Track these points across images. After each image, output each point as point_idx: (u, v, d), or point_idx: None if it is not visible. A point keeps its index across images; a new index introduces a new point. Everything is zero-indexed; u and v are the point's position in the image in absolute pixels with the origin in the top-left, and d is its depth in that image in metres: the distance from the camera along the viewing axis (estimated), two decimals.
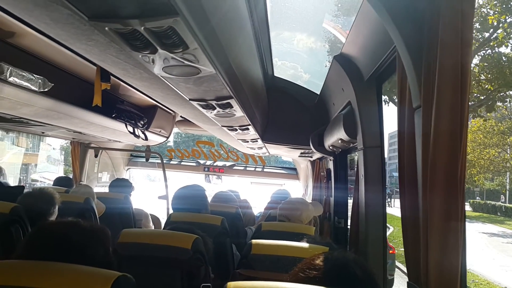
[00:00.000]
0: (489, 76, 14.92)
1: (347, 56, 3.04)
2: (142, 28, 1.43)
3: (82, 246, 1.49)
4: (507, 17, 13.48)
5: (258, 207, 6.09)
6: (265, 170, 8.34)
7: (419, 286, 1.66)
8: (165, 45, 1.62)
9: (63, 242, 1.46)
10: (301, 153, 6.05)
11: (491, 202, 37.29)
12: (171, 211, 3.34)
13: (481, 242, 20.09)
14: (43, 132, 5.62)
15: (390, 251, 9.95)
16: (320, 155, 5.33)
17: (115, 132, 5.18)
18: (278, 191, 5.93)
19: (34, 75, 2.99)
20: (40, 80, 3.05)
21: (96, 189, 5.84)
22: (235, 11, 1.98)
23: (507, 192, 39.34)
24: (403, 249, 1.91)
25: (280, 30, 4.16)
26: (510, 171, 33.33)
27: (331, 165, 4.84)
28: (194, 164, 8.33)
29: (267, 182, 8.44)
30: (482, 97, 15.34)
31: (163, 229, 3.12)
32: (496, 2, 13.56)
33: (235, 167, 8.32)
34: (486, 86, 14.90)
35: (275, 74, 4.96)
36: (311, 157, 6.26)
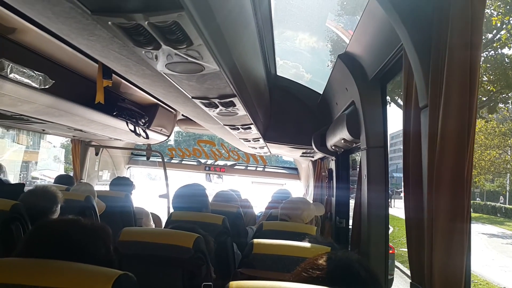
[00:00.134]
0: (491, 77, 14.91)
1: (351, 55, 3.02)
2: (146, 22, 1.41)
3: (82, 244, 1.48)
4: (510, 19, 13.45)
5: (259, 207, 6.09)
6: (266, 169, 8.33)
7: (423, 287, 1.64)
8: (169, 40, 1.60)
9: (63, 240, 1.45)
10: (303, 153, 6.04)
11: (491, 203, 37.35)
12: (172, 210, 3.34)
13: (481, 243, 20.13)
14: (43, 130, 5.61)
15: (390, 251, 9.95)
16: (322, 155, 5.32)
17: (116, 130, 5.17)
18: (279, 191, 5.92)
19: (35, 71, 2.98)
20: (41, 77, 3.04)
21: (96, 188, 5.83)
22: (240, 8, 1.96)
23: (507, 193, 39.37)
24: (402, 249, 1.89)
25: (283, 29, 4.14)
26: (511, 172, 33.33)
27: (333, 165, 4.83)
28: (195, 163, 8.33)
29: (268, 181, 8.44)
30: (484, 99, 15.33)
31: (164, 228, 3.12)
32: (500, 3, 13.53)
33: (236, 167, 8.31)
34: (488, 88, 14.89)
35: (278, 73, 4.95)
36: (313, 157, 6.25)
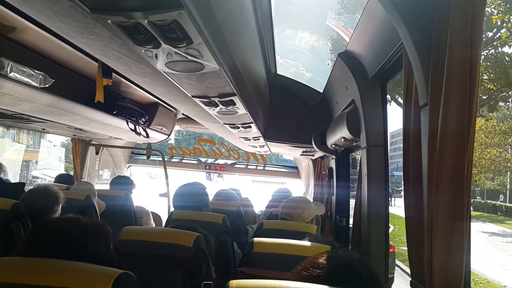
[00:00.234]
0: (491, 76, 14.90)
1: (351, 54, 3.02)
2: (146, 21, 1.41)
3: (82, 243, 1.48)
4: (511, 17, 13.43)
5: (259, 206, 6.09)
6: (266, 168, 8.34)
7: (423, 286, 1.64)
8: (168, 39, 1.60)
9: (63, 239, 1.45)
10: (303, 152, 6.04)
11: (491, 201, 37.35)
12: (172, 209, 3.34)
13: (481, 241, 20.13)
14: (43, 129, 5.61)
15: (391, 250, 9.96)
16: (322, 154, 5.31)
17: (116, 129, 5.17)
18: (280, 190, 5.93)
19: (35, 70, 2.98)
20: (41, 76, 3.04)
21: (97, 187, 5.83)
22: (240, 7, 1.96)
23: (508, 191, 39.37)
24: (403, 248, 1.89)
25: (283, 28, 4.14)
26: (511, 170, 33.33)
27: (333, 164, 4.83)
28: (196, 162, 8.33)
29: (269, 180, 8.44)
30: (485, 97, 15.33)
31: (165, 226, 3.12)
32: (500, 1, 13.52)
33: (236, 165, 8.31)
34: (489, 86, 14.88)
35: (278, 72, 4.94)
36: (313, 155, 6.25)
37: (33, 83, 3.01)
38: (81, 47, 1.96)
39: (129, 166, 8.22)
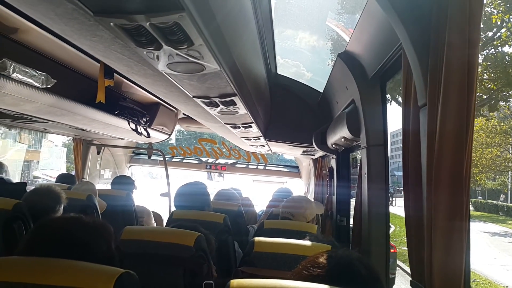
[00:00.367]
0: (492, 75, 14.90)
1: (351, 54, 3.03)
2: (148, 23, 1.43)
3: (84, 242, 1.48)
4: (510, 17, 13.43)
5: (260, 205, 6.09)
6: (267, 168, 8.34)
7: (423, 285, 1.65)
8: (170, 41, 1.61)
9: (65, 238, 1.46)
10: (304, 151, 6.04)
11: (492, 201, 37.27)
12: (173, 209, 3.35)
13: (482, 241, 20.09)
14: (45, 129, 5.63)
15: (392, 250, 9.96)
16: (323, 153, 5.32)
17: (118, 129, 5.18)
18: (280, 189, 5.94)
19: (37, 71, 2.99)
20: (43, 77, 3.05)
21: (98, 186, 5.84)
22: (240, 7, 1.97)
23: (509, 191, 39.29)
24: (404, 248, 1.90)
25: (283, 28, 4.15)
26: None
27: (333, 164, 4.84)
28: (196, 161, 8.33)
29: (269, 180, 8.44)
30: (485, 97, 15.33)
31: (166, 226, 3.13)
32: (500, 1, 13.52)
33: (237, 165, 8.31)
34: (489, 86, 14.88)
35: (278, 72, 4.95)
36: (314, 155, 6.25)
37: (35, 84, 3.02)
38: (84, 49, 1.97)
39: (130, 166, 8.22)
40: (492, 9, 13.81)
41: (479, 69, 14.54)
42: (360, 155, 3.25)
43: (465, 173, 1.45)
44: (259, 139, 5.28)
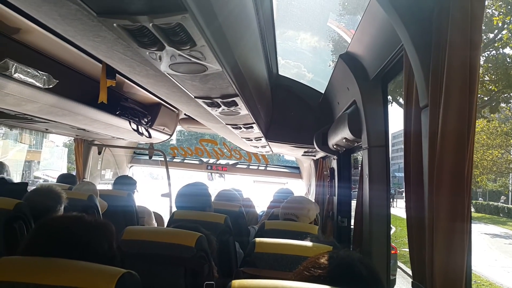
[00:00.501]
0: (493, 77, 14.89)
1: (353, 55, 3.03)
2: (151, 24, 1.43)
3: (85, 240, 1.49)
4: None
5: (261, 206, 6.09)
6: (268, 168, 8.34)
7: (424, 286, 1.65)
8: (172, 42, 1.62)
9: (67, 236, 1.47)
10: (305, 152, 6.04)
11: (493, 203, 37.23)
12: (174, 209, 3.35)
13: (483, 243, 20.09)
14: (46, 129, 5.63)
15: (393, 251, 9.96)
16: (324, 154, 5.32)
17: (119, 129, 5.19)
18: (281, 190, 5.94)
19: (39, 71, 3.00)
20: (44, 77, 3.06)
21: (99, 187, 5.84)
22: (242, 8, 1.97)
23: (510, 193, 39.24)
24: (405, 249, 1.91)
25: (285, 29, 4.15)
26: None
27: (334, 164, 4.84)
28: (197, 162, 8.34)
29: (270, 180, 8.44)
30: (486, 98, 15.31)
31: (167, 227, 3.13)
32: (501, 3, 13.52)
33: (238, 166, 8.31)
34: (490, 87, 14.87)
35: (280, 73, 4.96)
36: (315, 156, 6.25)
37: (37, 84, 3.03)
38: (86, 49, 1.98)
39: (131, 166, 8.23)
40: (493, 10, 13.81)
41: (480, 71, 14.50)
42: (361, 156, 3.25)
43: (467, 174, 1.45)
44: (260, 139, 5.29)
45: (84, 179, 6.50)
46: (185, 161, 8.40)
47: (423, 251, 1.60)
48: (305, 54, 5.08)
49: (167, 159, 7.17)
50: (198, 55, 1.80)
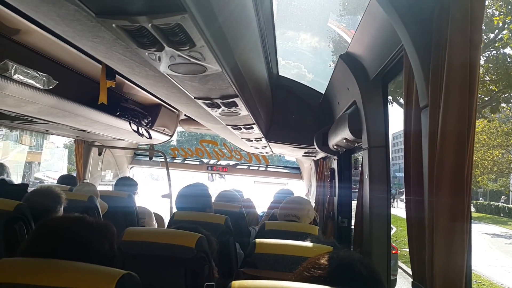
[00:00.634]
0: (493, 77, 14.90)
1: (353, 55, 3.03)
2: (150, 25, 1.43)
3: (86, 240, 1.49)
4: None
5: (261, 207, 6.09)
6: (268, 169, 8.34)
7: (424, 286, 1.65)
8: (172, 42, 1.61)
9: (67, 236, 1.47)
10: (305, 153, 6.04)
11: (494, 203, 37.22)
12: (174, 210, 3.34)
13: (484, 243, 20.08)
14: (47, 130, 5.63)
15: (393, 252, 9.96)
16: (324, 155, 5.32)
17: (119, 130, 5.18)
18: (282, 191, 5.93)
19: (39, 72, 2.99)
20: (44, 78, 3.06)
21: (99, 188, 5.84)
22: (241, 9, 1.97)
23: (510, 193, 39.23)
24: (405, 249, 1.90)
25: (285, 29, 4.15)
26: None
27: (335, 165, 4.84)
28: (198, 163, 8.34)
29: (271, 181, 8.44)
30: (487, 98, 15.31)
31: (167, 227, 3.13)
32: (501, 3, 13.52)
33: (238, 166, 8.32)
34: (491, 87, 14.87)
35: (280, 73, 4.96)
36: (315, 156, 6.25)
37: (37, 85, 3.02)
38: (86, 50, 1.98)
39: (131, 167, 8.23)
40: (494, 10, 13.81)
41: (481, 71, 14.52)
42: (361, 156, 3.25)
43: (467, 174, 1.45)
44: (261, 140, 5.29)
45: (84, 180, 6.50)
46: (186, 162, 8.41)
47: (423, 251, 1.60)
48: (306, 54, 5.08)
49: (168, 160, 7.17)
50: (198, 56, 1.80)
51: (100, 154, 7.05)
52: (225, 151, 8.44)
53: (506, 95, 15.64)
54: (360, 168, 3.32)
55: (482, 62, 14.87)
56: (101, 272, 1.32)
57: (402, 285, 11.58)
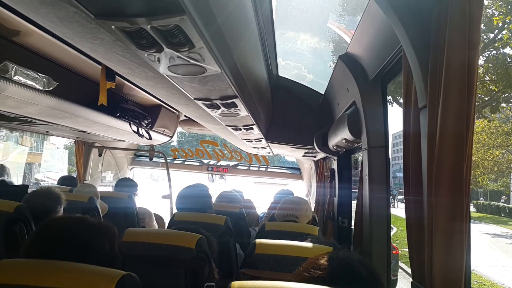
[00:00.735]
0: (493, 77, 14.91)
1: (352, 56, 3.03)
2: (149, 26, 1.43)
3: (87, 241, 1.50)
4: None
5: (261, 207, 6.08)
6: (268, 169, 8.34)
7: (423, 286, 1.65)
8: (171, 44, 1.62)
9: (68, 236, 1.47)
10: (305, 153, 6.05)
11: (494, 203, 37.19)
12: (175, 211, 3.34)
13: (484, 243, 20.06)
14: (47, 131, 5.64)
15: (394, 252, 9.95)
16: (324, 155, 5.32)
17: (119, 131, 5.18)
18: (282, 191, 5.92)
19: (39, 74, 2.99)
20: (44, 79, 3.06)
21: (100, 189, 5.85)
22: (240, 10, 1.98)
23: (511, 193, 39.21)
24: (407, 249, 1.91)
25: (285, 30, 4.15)
26: None
27: (335, 165, 4.84)
28: (198, 163, 8.34)
29: (271, 182, 8.44)
30: (487, 98, 15.32)
31: (167, 228, 3.13)
32: (501, 3, 13.52)
33: (238, 167, 8.32)
34: (491, 87, 14.88)
35: (280, 74, 4.96)
36: (315, 157, 6.25)
37: (37, 86, 3.02)
38: (85, 51, 1.98)
39: (131, 168, 8.24)
40: (494, 10, 13.83)
41: (481, 71, 14.54)
42: (361, 156, 3.25)
43: (465, 174, 1.45)
44: (261, 141, 5.29)
45: (84, 181, 6.50)
46: (186, 162, 8.41)
47: (423, 251, 1.60)
48: (305, 55, 5.08)
49: (168, 160, 7.17)
50: (197, 57, 1.80)
51: (100, 155, 7.05)
52: (225, 151, 8.44)
53: (506, 95, 15.66)
54: (360, 169, 3.32)
55: (482, 62, 14.90)
56: (101, 273, 1.32)
57: (403, 285, 11.57)
